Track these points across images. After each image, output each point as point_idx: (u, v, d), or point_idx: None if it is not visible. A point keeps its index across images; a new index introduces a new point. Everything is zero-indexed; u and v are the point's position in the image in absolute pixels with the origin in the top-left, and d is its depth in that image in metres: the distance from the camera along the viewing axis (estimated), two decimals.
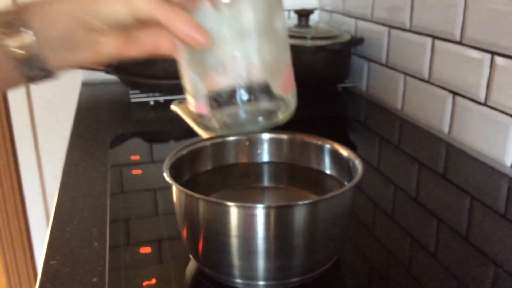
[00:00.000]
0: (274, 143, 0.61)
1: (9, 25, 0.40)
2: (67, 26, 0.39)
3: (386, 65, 1.09)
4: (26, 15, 0.40)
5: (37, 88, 1.32)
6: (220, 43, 0.46)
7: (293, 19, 1.29)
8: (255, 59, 0.48)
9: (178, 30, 0.36)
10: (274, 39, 0.50)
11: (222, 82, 0.48)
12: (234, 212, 0.46)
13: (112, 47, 0.41)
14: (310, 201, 0.48)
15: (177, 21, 0.36)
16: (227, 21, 0.45)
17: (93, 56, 0.41)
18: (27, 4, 0.41)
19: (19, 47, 0.39)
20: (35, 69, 0.40)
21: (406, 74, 1.02)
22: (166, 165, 0.53)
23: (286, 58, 0.53)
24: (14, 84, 0.42)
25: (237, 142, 0.61)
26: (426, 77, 0.95)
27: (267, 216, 0.46)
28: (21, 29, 0.39)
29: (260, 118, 0.54)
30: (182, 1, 0.41)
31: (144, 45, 0.43)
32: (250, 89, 0.49)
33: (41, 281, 0.52)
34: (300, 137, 0.61)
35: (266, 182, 0.63)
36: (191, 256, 0.54)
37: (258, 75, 0.48)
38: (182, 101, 0.70)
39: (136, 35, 0.42)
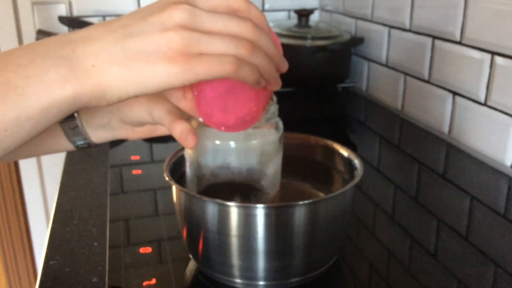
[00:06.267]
0: None
1: None
2: (107, 119, 0.51)
3: (386, 65, 1.09)
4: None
5: None
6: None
7: (293, 19, 1.29)
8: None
9: (175, 135, 0.46)
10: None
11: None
12: (234, 212, 0.46)
13: (139, 133, 0.54)
14: (310, 201, 0.48)
15: (174, 128, 0.46)
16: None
17: (126, 137, 0.54)
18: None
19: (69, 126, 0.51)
20: (80, 140, 0.52)
21: (406, 74, 1.02)
22: (166, 165, 0.53)
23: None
24: (64, 149, 0.54)
25: None
26: (426, 77, 0.95)
27: (267, 216, 0.46)
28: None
29: None
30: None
31: (155, 132, 0.55)
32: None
33: (41, 281, 0.52)
34: (300, 137, 0.61)
35: None
36: (191, 256, 0.54)
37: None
38: None
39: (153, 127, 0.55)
